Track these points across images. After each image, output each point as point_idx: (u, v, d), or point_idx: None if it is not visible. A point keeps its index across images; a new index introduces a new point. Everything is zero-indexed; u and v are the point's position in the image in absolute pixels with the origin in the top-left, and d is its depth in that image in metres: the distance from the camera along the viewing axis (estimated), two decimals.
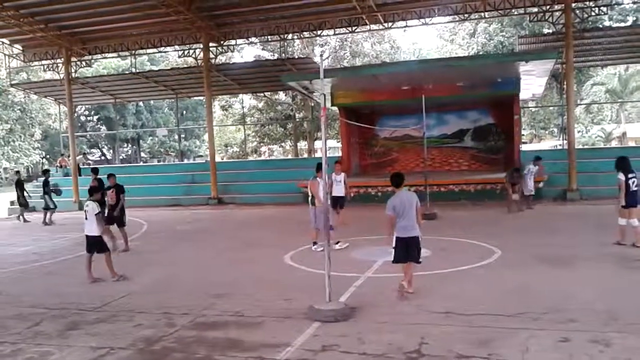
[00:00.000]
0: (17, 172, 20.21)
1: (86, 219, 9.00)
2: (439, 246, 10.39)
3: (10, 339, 6.20)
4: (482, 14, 22.01)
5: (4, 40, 24.37)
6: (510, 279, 7.86)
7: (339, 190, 13.07)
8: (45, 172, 20.14)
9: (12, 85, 32.08)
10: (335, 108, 23.80)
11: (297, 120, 39.71)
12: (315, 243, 10.56)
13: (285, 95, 38.83)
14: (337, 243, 10.29)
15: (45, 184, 18.62)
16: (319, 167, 10.24)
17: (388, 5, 20.73)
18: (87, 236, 9.08)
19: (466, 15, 21.73)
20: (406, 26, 22.72)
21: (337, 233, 10.65)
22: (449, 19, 24.19)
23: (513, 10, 21.75)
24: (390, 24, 22.16)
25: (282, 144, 47.22)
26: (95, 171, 14.70)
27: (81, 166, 27.83)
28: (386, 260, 9.30)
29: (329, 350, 5.34)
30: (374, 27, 23.52)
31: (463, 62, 21.55)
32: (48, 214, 18.15)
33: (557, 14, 19.46)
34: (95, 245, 8.99)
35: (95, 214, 8.85)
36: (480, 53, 38.00)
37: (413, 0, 20.35)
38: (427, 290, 7.41)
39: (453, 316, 6.22)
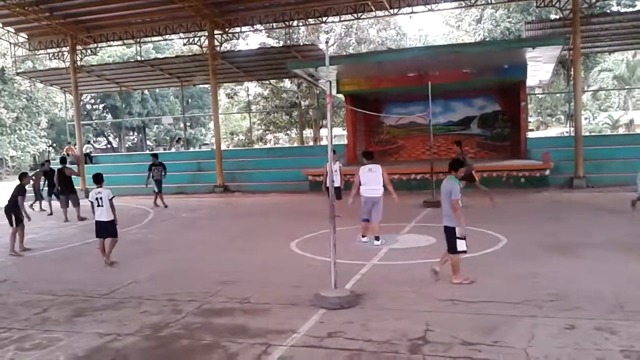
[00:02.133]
0: (47, 161, 19.68)
1: (99, 205, 9.09)
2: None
3: (19, 325, 6.26)
4: None
5: (9, 28, 24.36)
6: (516, 266, 7.85)
7: (336, 181, 13.07)
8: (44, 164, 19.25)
9: (17, 74, 32.08)
10: (340, 95, 23.74)
11: (303, 108, 39.63)
12: (376, 237, 9.84)
13: (291, 82, 38.72)
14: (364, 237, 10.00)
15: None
16: (363, 153, 10.27)
17: None
18: (99, 222, 9.20)
19: (472, 1, 21.57)
20: (412, 12, 22.54)
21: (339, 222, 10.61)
22: (455, 5, 23.97)
23: None
24: (396, 10, 22.00)
25: (288, 131, 47.15)
26: (156, 156, 18.49)
27: (92, 154, 28.04)
28: (391, 248, 9.37)
29: (334, 337, 5.36)
30: (379, 13, 23.36)
31: (469, 48, 21.46)
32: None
33: None
34: (107, 230, 9.19)
35: (110, 199, 9.03)
36: (487, 39, 37.73)
37: None
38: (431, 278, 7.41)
39: (458, 303, 6.22)
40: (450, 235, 7.08)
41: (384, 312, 6.06)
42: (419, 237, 10.29)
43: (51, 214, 17.15)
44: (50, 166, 18.00)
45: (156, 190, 17.82)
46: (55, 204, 16.82)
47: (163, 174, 17.84)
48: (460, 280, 7.01)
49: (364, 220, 9.82)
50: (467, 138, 22.97)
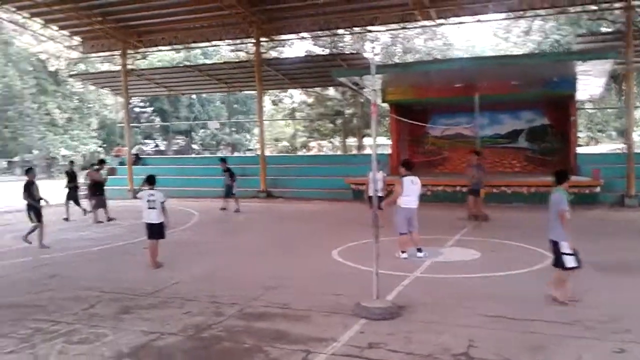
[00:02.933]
0: (71, 162, 19.80)
1: (150, 207, 9.14)
2: (490, 248, 10.23)
3: (67, 319, 6.44)
4: (538, 11, 21.44)
5: (64, 32, 25.19)
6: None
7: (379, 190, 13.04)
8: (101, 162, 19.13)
9: (71, 76, 33.16)
10: (385, 104, 23.64)
11: (347, 116, 39.65)
12: (419, 249, 9.67)
13: (335, 90, 38.80)
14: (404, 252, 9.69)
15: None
16: (404, 163, 10.11)
17: (441, 2, 20.39)
18: (149, 224, 9.25)
19: (522, 12, 21.21)
20: (460, 23, 22.35)
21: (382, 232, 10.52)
22: (503, 16, 23.59)
23: (570, 8, 21.05)
24: (443, 20, 21.82)
25: (331, 139, 47.24)
26: (224, 160, 18.30)
27: (141, 156, 28.76)
28: (435, 261, 9.25)
29: (375, 348, 5.32)
30: (426, 23, 23.19)
31: (518, 60, 21.06)
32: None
33: (617, 12, 18.74)
34: (158, 232, 9.25)
35: (162, 202, 9.11)
36: (536, 51, 37.02)
37: None
38: (477, 292, 7.29)
39: (503, 320, 6.09)
40: (557, 249, 6.84)
41: (426, 325, 5.98)
42: (463, 251, 10.12)
43: (67, 219, 16.24)
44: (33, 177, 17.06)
45: (231, 193, 17.88)
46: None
47: (232, 179, 17.87)
48: (564, 298, 6.67)
49: (402, 234, 9.56)
50: (515, 151, 22.56)
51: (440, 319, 6.16)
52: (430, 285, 7.73)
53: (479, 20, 21.74)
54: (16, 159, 66.06)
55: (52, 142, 52.31)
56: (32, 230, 11.78)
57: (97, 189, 16.28)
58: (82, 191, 17.52)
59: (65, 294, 7.64)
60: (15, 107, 50.26)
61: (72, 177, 17.22)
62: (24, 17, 22.95)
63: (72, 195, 16.94)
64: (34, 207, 11.70)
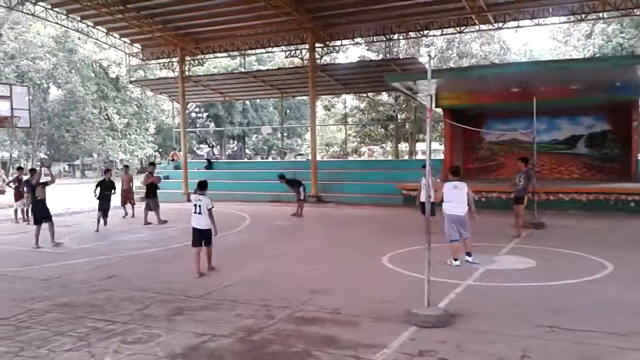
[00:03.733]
0: (108, 170, 19.69)
1: (196, 212, 9.12)
2: (546, 257, 9.93)
3: (122, 319, 6.62)
4: (601, 14, 20.75)
5: (126, 39, 26.06)
6: (623, 295, 7.33)
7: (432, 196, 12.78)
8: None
9: (131, 82, 34.18)
10: (439, 109, 23.35)
11: (399, 121, 39.38)
12: (468, 253, 9.51)
13: (388, 95, 38.65)
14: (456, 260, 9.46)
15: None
16: (450, 169, 10.06)
17: (499, 5, 20.05)
18: (196, 229, 9.21)
19: (583, 15, 20.56)
20: (518, 26, 21.81)
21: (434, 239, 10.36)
22: (563, 20, 22.93)
23: (635, 10, 20.26)
24: (500, 24, 21.40)
25: (383, 144, 47.03)
26: (282, 176, 18.30)
27: (212, 160, 29.42)
28: (488, 269, 9.04)
29: (426, 356, 5.25)
30: (483, 27, 22.82)
31: (578, 64, 20.42)
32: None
33: None
34: (204, 237, 9.16)
35: (209, 209, 8.99)
36: (597, 55, 35.83)
37: None
38: (531, 302, 7.08)
39: (558, 331, 5.89)
40: None
41: (478, 334, 5.84)
42: (518, 259, 9.85)
43: (97, 231, 15.04)
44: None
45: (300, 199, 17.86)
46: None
47: (299, 188, 17.82)
48: None
49: (452, 241, 9.37)
50: (573, 158, 21.85)
51: (493, 328, 6.01)
52: (483, 294, 7.57)
53: (537, 24, 21.21)
54: (77, 162, 68.70)
55: (111, 147, 54.10)
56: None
57: (150, 191, 16.63)
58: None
59: (121, 295, 7.86)
60: (77, 112, 52.23)
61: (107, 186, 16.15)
62: (88, 26, 23.90)
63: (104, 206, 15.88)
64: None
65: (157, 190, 16.65)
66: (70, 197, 27.10)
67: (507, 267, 9.24)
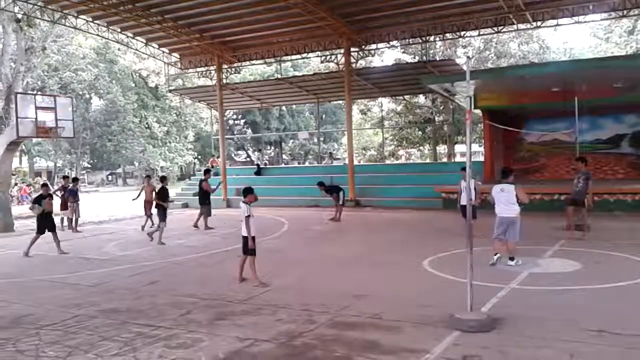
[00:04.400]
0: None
1: (241, 220, 8.84)
2: (592, 259, 9.66)
3: (166, 324, 6.71)
4: None
5: (164, 49, 26.56)
6: None
7: (464, 198, 12.66)
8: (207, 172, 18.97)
9: (169, 91, 34.81)
10: (477, 111, 23.05)
11: (437, 123, 39.02)
12: (512, 258, 9.40)
13: (425, 98, 38.32)
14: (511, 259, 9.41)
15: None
16: (502, 172, 10.01)
17: (537, 4, 19.69)
18: (242, 236, 8.93)
19: (625, 11, 20.01)
20: (557, 25, 21.45)
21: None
22: (604, 16, 22.33)
23: None
24: (539, 23, 21.01)
25: (421, 147, 46.62)
26: (321, 184, 18.11)
27: (262, 166, 29.63)
28: (532, 272, 8.86)
29: None
30: (521, 26, 22.45)
31: (620, 61, 19.87)
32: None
33: None
34: (244, 245, 8.86)
35: (246, 216, 8.66)
36: None
37: None
38: (578, 305, 6.91)
39: (606, 335, 5.72)
40: None
41: (523, 339, 5.72)
42: (563, 262, 9.62)
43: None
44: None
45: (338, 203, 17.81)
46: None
47: (338, 194, 17.77)
48: None
49: (496, 237, 9.46)
50: (617, 157, 21.26)
51: (538, 333, 5.87)
52: (527, 297, 7.41)
53: (577, 22, 20.75)
54: (119, 170, 70.30)
55: (152, 154, 55.17)
56: (156, 230, 13.88)
57: (205, 198, 17.12)
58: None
59: (164, 300, 7.98)
60: (118, 122, 53.46)
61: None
62: (127, 37, 24.46)
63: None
64: (163, 208, 13.99)
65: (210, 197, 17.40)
66: (113, 204, 27.74)
67: (551, 270, 9.04)
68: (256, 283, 8.60)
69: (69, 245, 13.92)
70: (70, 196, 17.62)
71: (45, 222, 12.90)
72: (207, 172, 18.88)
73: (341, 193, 17.85)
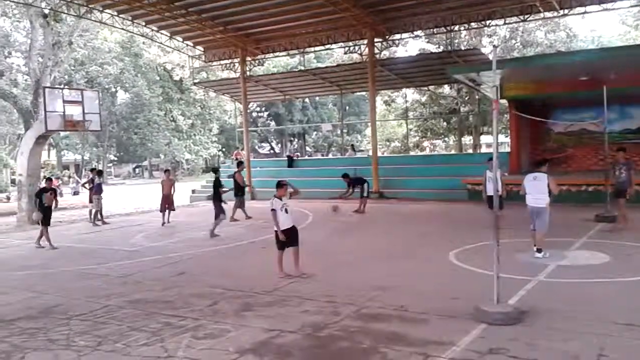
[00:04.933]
0: (167, 170, 19.16)
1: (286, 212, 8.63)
2: (622, 252, 9.50)
3: (193, 315, 6.79)
4: None
5: (189, 42, 26.72)
6: None
7: (490, 189, 12.81)
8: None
9: (194, 84, 35.03)
10: (503, 101, 22.74)
11: (462, 114, 38.64)
12: (540, 250, 9.33)
13: (450, 88, 37.94)
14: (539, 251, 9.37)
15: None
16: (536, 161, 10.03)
17: None
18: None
19: None
20: (585, 12, 20.98)
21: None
22: (634, 2, 21.82)
23: None
24: (567, 10, 20.62)
25: (446, 138, 46.21)
26: (346, 175, 18.18)
27: (294, 158, 29.60)
28: (560, 264, 8.75)
29: (496, 354, 5.12)
30: (548, 14, 22.06)
31: None
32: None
33: None
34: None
35: (271, 210, 8.50)
36: None
37: None
38: (607, 298, 6.81)
39: (636, 329, 5.64)
40: None
41: (551, 331, 5.66)
42: (591, 254, 9.48)
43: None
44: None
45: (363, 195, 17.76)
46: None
47: (360, 186, 17.75)
48: None
49: (533, 229, 9.44)
50: None
51: (566, 326, 5.80)
52: (554, 290, 7.32)
53: (605, 9, 20.32)
54: (144, 163, 71.12)
55: (177, 147, 55.65)
56: (217, 224, 13.77)
57: (239, 190, 17.34)
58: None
59: (191, 291, 8.07)
60: (144, 115, 54.00)
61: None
62: (152, 31, 24.66)
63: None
64: (220, 202, 14.16)
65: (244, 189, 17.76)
66: (139, 197, 28.10)
67: (579, 263, 8.92)
68: (281, 275, 8.61)
69: (98, 237, 14.13)
70: (95, 189, 17.84)
71: (45, 215, 13.23)
72: (240, 164, 19.03)
73: (365, 185, 17.83)
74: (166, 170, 18.94)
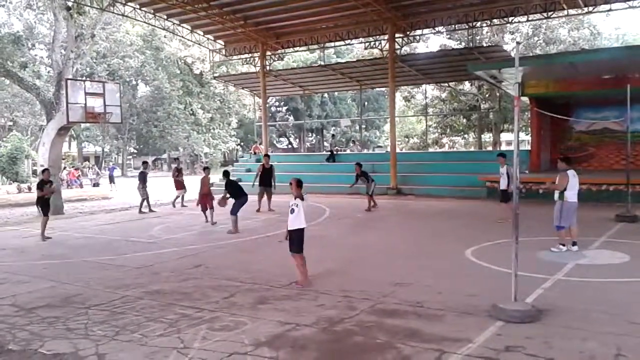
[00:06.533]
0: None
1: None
2: None
3: (210, 307, 6.84)
4: None
5: (209, 36, 26.85)
6: None
7: (503, 184, 13.56)
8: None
9: (214, 78, 35.19)
10: (525, 98, 22.51)
11: (483, 111, 38.32)
12: (563, 245, 9.63)
13: (471, 85, 37.67)
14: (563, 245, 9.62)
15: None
16: (564, 158, 10.17)
17: None
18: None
19: None
20: (609, 10, 20.66)
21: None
22: None
23: None
24: (591, 8, 20.34)
25: (465, 135, 45.89)
26: (359, 164, 17.79)
27: (335, 152, 28.55)
28: (579, 263, 8.65)
29: (513, 352, 5.08)
30: (572, 11, 21.75)
31: None
32: None
33: None
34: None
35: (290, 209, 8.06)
36: None
37: None
38: (625, 298, 6.73)
39: None
40: None
41: (568, 330, 5.61)
42: (611, 254, 9.37)
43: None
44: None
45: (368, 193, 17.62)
46: None
47: (367, 181, 17.56)
48: None
49: (560, 228, 9.66)
50: None
51: (583, 325, 5.75)
52: (573, 289, 7.25)
53: (631, 7, 19.97)
54: (164, 156, 71.66)
55: (196, 141, 55.98)
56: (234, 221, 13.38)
57: (262, 180, 17.77)
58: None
59: (208, 283, 8.13)
60: (164, 108, 54.38)
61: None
62: (174, 24, 24.81)
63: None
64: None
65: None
66: (158, 189, 28.28)
67: (598, 262, 8.82)
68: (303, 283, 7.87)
69: (116, 229, 14.26)
70: (140, 179, 18.48)
71: (44, 206, 13.44)
72: (266, 156, 19.31)
73: (372, 183, 17.63)
74: (205, 168, 17.85)
